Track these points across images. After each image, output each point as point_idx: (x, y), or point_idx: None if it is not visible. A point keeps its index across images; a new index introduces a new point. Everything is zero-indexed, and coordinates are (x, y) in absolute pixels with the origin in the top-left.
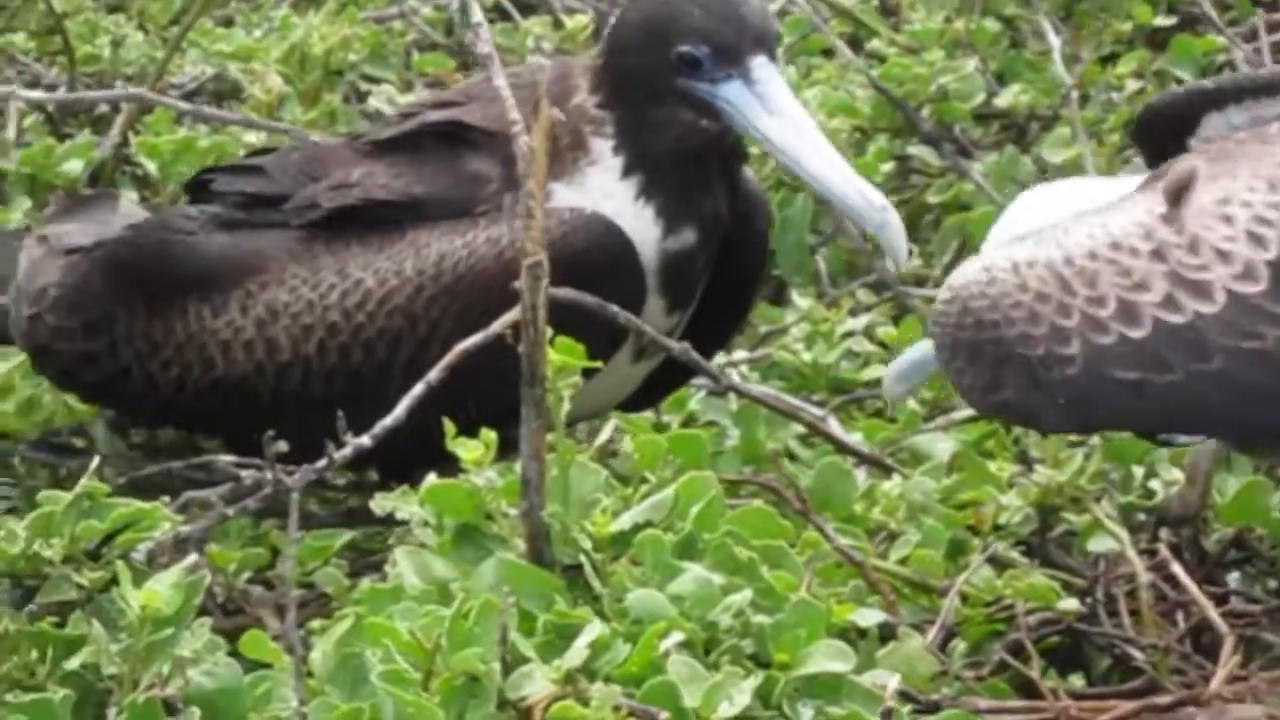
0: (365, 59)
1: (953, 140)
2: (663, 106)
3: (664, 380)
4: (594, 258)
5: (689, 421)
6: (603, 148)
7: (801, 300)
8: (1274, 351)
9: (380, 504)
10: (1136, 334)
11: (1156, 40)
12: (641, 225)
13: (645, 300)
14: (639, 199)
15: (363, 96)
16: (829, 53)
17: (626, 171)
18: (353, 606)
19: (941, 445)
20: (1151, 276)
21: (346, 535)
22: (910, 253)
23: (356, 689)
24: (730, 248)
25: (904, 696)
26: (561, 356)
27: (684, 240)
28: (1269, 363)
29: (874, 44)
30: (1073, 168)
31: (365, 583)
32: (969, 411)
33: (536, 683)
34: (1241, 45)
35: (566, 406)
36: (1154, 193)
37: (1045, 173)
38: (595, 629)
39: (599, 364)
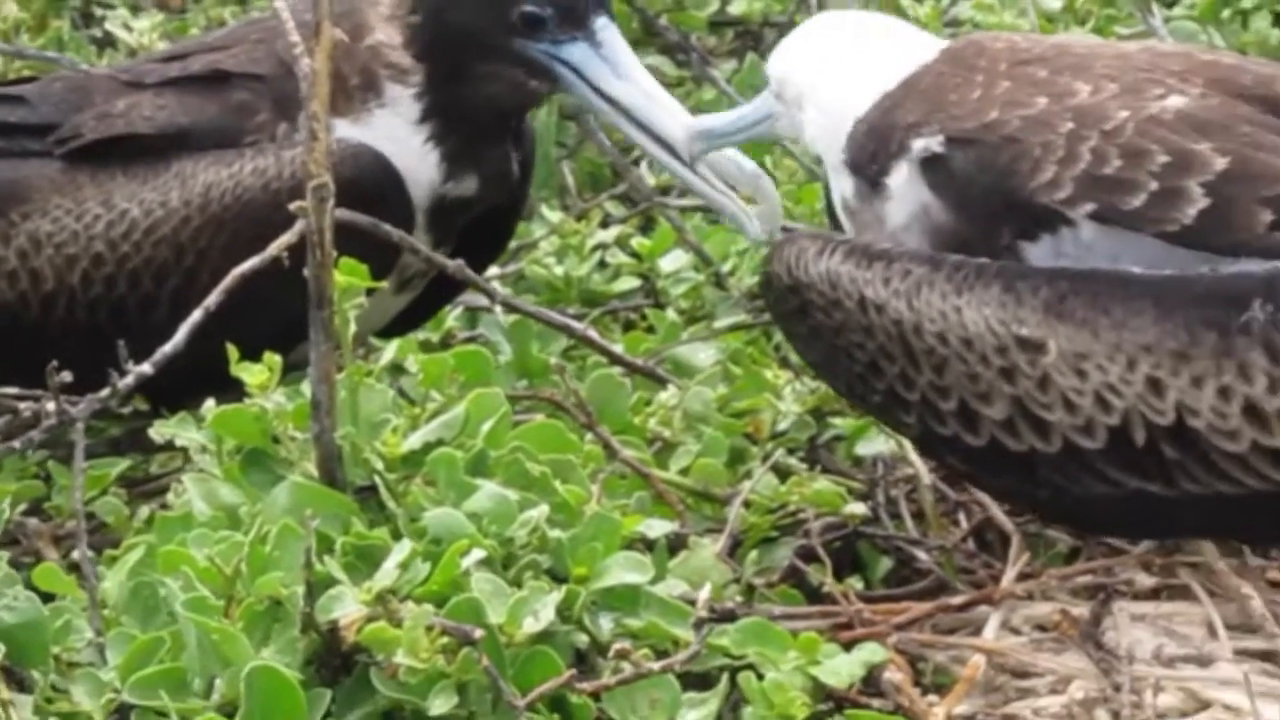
0: None
1: (689, 49)
2: (490, 64)
3: (418, 309)
4: (359, 189)
5: (448, 338)
6: (400, 94)
7: (550, 214)
8: None
9: (160, 431)
10: None
11: None
12: (423, 167)
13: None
14: (428, 143)
15: (89, 21)
16: None
17: (423, 118)
18: (137, 536)
19: (703, 355)
20: None
21: (123, 464)
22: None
23: (150, 618)
24: None
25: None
26: (346, 278)
27: (464, 188)
28: None
29: None
30: None
31: (144, 511)
32: (729, 320)
33: (347, 604)
34: None
35: (353, 328)
36: None
37: None
38: (404, 549)
39: (383, 284)
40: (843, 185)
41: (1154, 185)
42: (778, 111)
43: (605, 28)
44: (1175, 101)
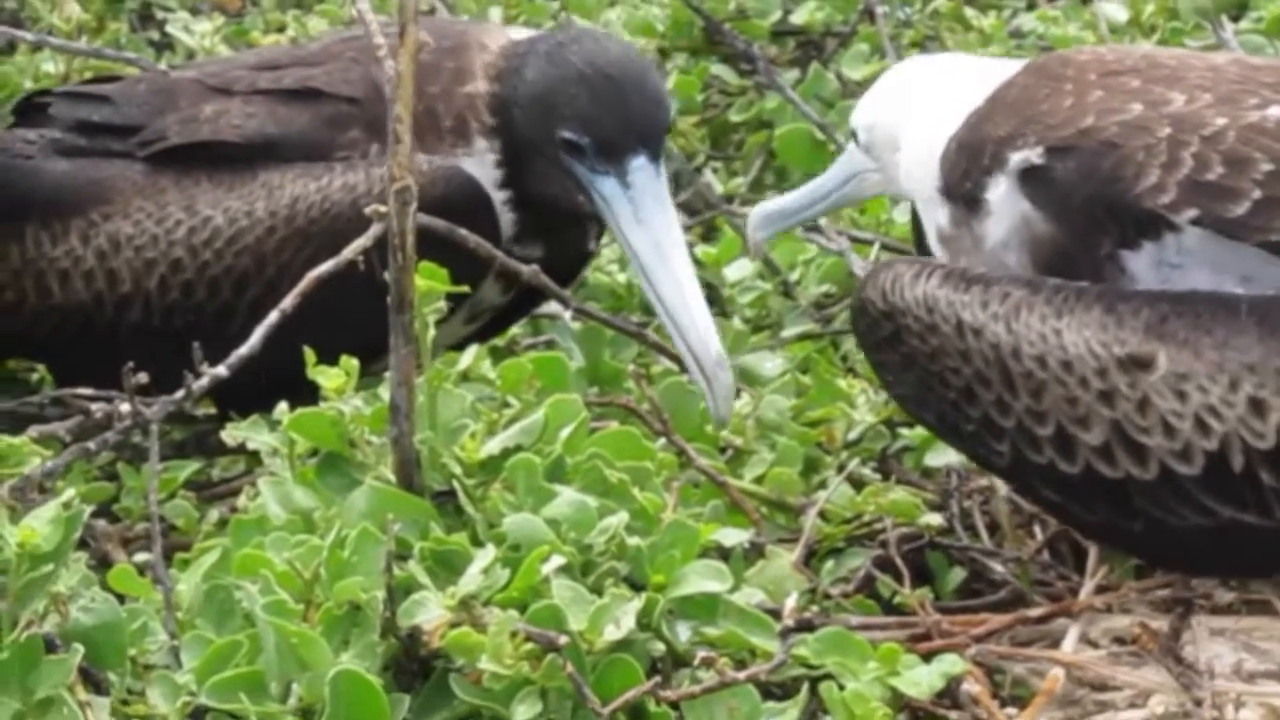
0: None
1: (754, 58)
2: (548, 165)
3: (486, 329)
4: (451, 206)
5: (513, 344)
6: (485, 150)
7: None
8: None
9: (233, 434)
10: None
11: None
12: (500, 222)
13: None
14: (504, 205)
15: (146, 23)
16: None
17: (502, 185)
18: (208, 539)
19: (769, 364)
20: None
21: (192, 467)
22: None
23: (225, 621)
24: None
25: (774, 615)
26: (427, 281)
27: (529, 252)
28: None
29: None
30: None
31: (213, 514)
32: (797, 329)
33: (431, 610)
34: None
35: (432, 332)
36: None
37: (848, 88)
38: (488, 555)
39: (465, 289)
40: (938, 216)
41: (1258, 194)
42: (865, 169)
43: (641, 168)
44: (1276, 111)
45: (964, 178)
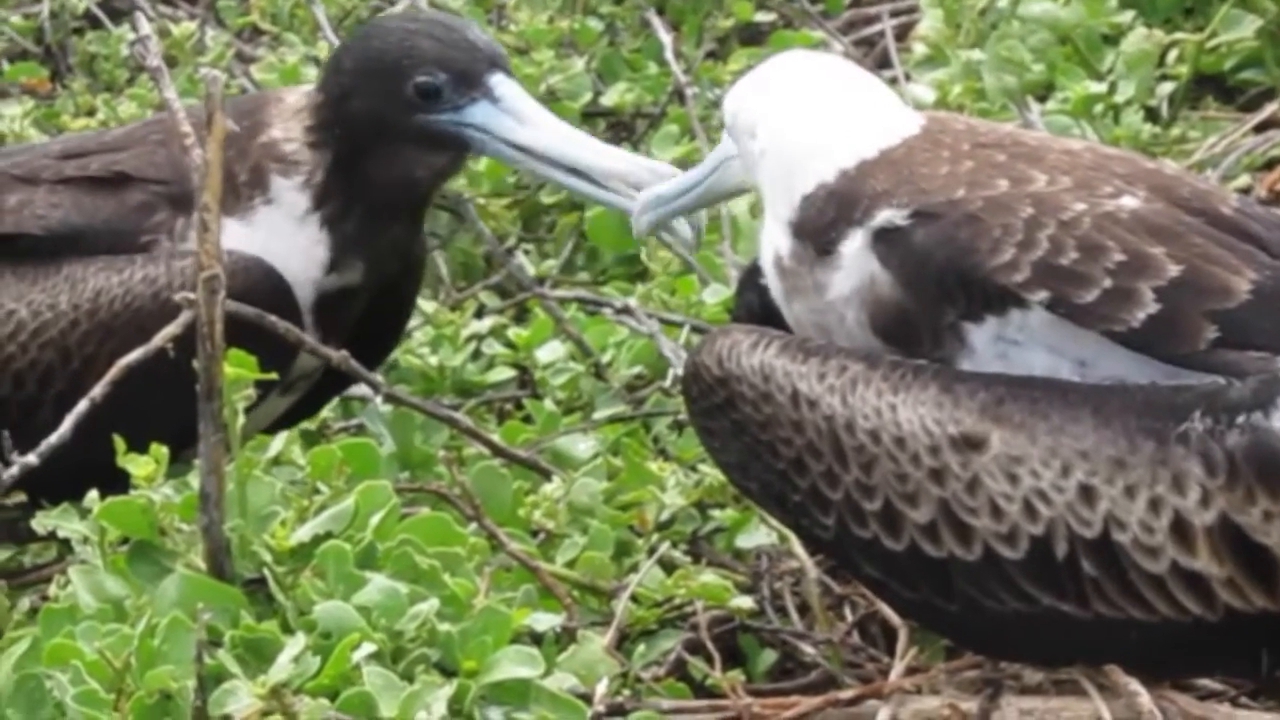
0: None
1: None
2: (395, 145)
3: (303, 405)
4: (252, 298)
5: (324, 428)
6: (285, 187)
7: (425, 304)
8: None
9: (42, 522)
10: None
11: (751, 36)
12: (307, 263)
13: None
14: (317, 232)
15: None
16: None
17: (314, 207)
18: (19, 628)
19: (582, 446)
20: None
21: (3, 555)
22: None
23: (35, 711)
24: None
25: (586, 700)
26: (235, 369)
27: (347, 279)
28: None
29: None
30: (684, 164)
31: (24, 603)
32: (609, 411)
33: (241, 699)
34: (841, 39)
35: (241, 420)
36: None
37: None
38: (299, 643)
39: (274, 375)
40: (779, 241)
41: (1108, 283)
42: (729, 155)
43: (502, 83)
44: (1129, 202)
45: (829, 227)
